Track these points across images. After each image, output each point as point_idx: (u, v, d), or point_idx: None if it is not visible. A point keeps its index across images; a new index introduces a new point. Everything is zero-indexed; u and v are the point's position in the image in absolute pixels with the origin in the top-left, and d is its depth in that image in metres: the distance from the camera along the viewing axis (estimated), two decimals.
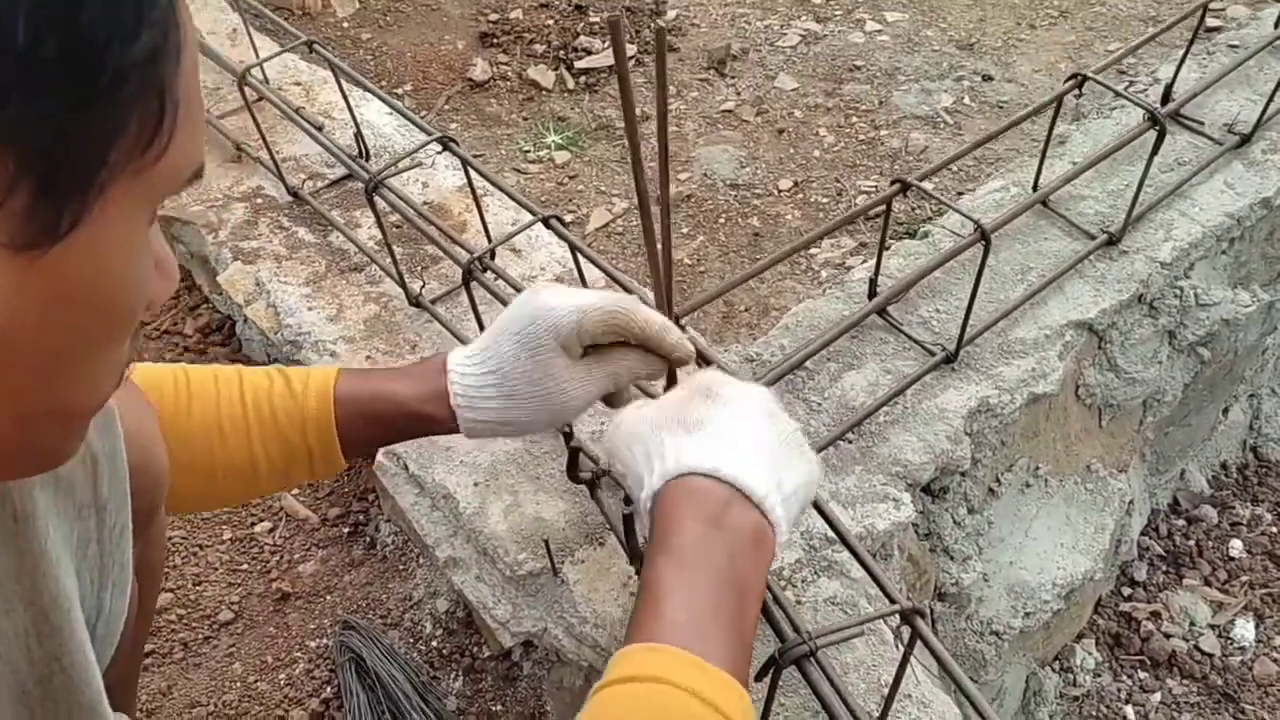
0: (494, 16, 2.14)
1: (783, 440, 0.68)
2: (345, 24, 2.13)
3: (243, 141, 1.43)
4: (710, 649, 0.58)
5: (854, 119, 1.89)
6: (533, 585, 1.01)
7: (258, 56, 1.39)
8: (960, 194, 1.61)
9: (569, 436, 0.96)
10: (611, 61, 1.95)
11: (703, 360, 0.84)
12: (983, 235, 1.07)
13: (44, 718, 0.52)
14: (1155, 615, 1.68)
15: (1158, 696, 1.60)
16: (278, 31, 1.72)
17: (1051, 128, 1.24)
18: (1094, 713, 1.59)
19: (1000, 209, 1.31)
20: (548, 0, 2.17)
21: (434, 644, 1.14)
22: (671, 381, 0.80)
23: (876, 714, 0.81)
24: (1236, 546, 1.75)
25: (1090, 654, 1.62)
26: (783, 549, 0.91)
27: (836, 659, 0.89)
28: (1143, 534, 1.73)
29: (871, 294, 1.19)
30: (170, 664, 1.14)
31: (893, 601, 0.74)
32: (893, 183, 1.10)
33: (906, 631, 0.72)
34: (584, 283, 1.07)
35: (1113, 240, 1.27)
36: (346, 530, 1.25)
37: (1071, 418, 1.35)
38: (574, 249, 1.05)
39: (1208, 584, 1.71)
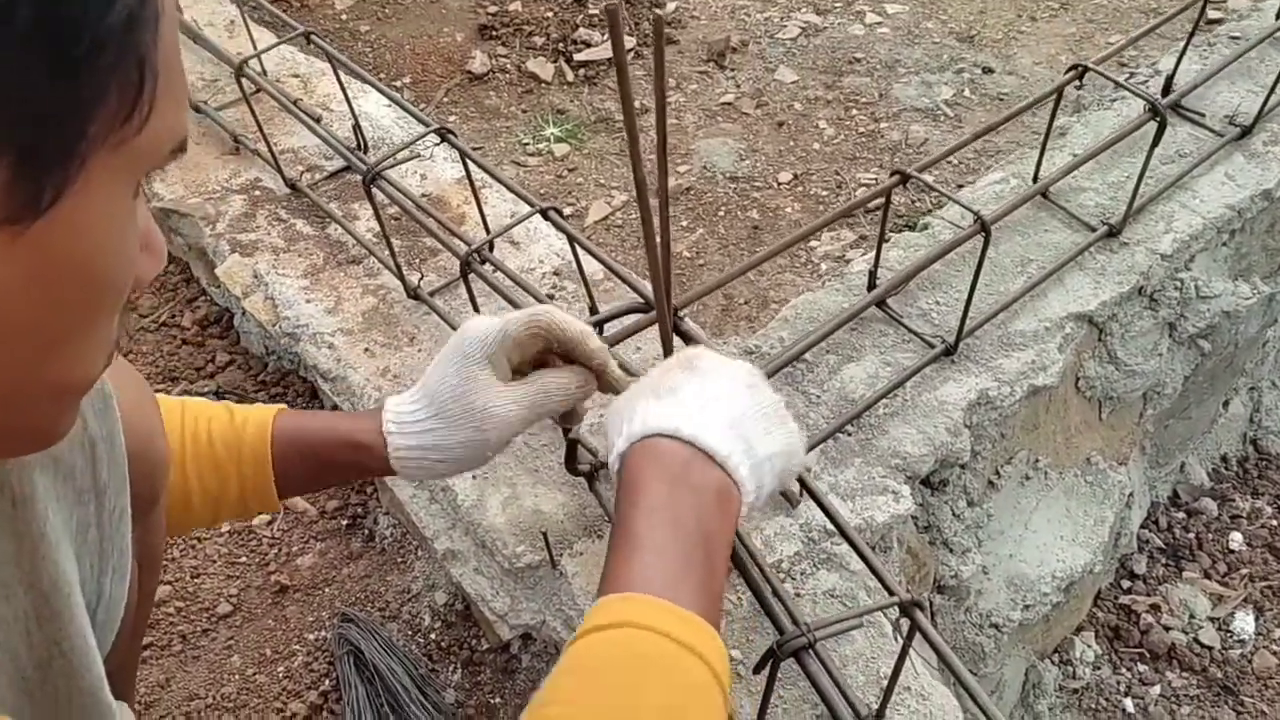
0: (493, 9, 2.14)
1: (760, 410, 0.69)
2: (343, 16, 2.13)
3: (240, 133, 1.43)
4: (682, 596, 0.60)
5: (854, 111, 1.88)
6: (531, 578, 1.00)
7: (255, 48, 1.38)
8: (960, 186, 1.61)
9: (567, 429, 0.96)
10: (611, 54, 1.94)
11: (626, 370, 0.85)
12: (983, 227, 1.07)
13: (44, 703, 0.52)
14: (1155, 608, 1.68)
15: (1157, 689, 1.60)
16: (275, 23, 1.72)
17: (1052, 119, 1.23)
18: (1093, 705, 1.59)
19: (1000, 201, 1.30)
20: None
21: (432, 636, 1.14)
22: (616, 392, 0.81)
23: (875, 706, 0.81)
24: (1236, 539, 1.75)
25: (1090, 647, 1.62)
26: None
27: (835, 651, 0.89)
28: (1142, 527, 1.73)
29: (871, 286, 1.19)
30: (169, 656, 1.14)
31: (892, 594, 0.74)
32: (892, 174, 1.09)
33: (905, 624, 0.72)
34: (583, 275, 1.07)
35: (1113, 232, 1.27)
36: (345, 523, 1.25)
37: (1071, 410, 1.35)
38: (572, 241, 1.05)
39: (1207, 577, 1.71)
